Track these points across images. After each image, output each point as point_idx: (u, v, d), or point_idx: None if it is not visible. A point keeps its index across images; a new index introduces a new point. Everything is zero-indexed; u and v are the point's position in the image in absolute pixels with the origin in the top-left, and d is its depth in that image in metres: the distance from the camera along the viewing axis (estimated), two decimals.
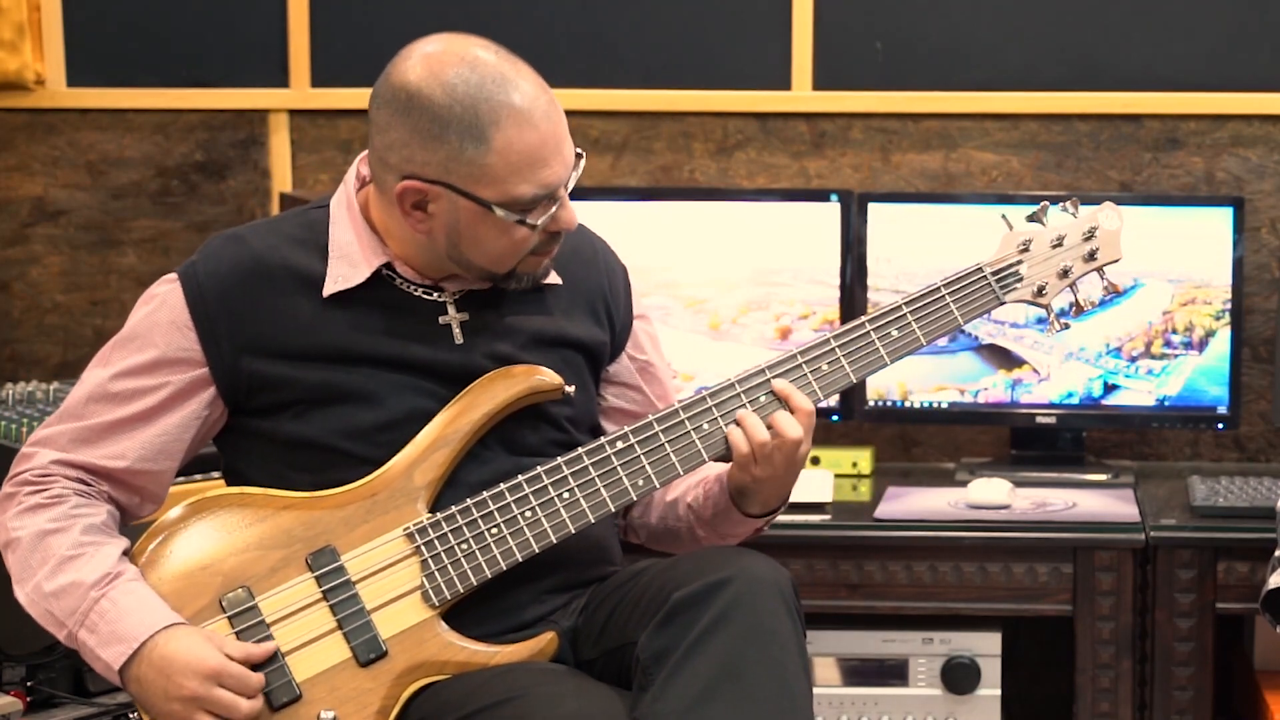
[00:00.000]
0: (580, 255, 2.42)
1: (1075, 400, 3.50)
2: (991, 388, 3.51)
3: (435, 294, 2.32)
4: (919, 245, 3.49)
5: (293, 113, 3.78)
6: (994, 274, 2.34)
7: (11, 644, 2.77)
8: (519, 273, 2.29)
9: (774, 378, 2.29)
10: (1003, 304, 2.35)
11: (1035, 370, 3.50)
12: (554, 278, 2.36)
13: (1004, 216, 2.37)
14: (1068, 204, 2.37)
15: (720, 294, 3.54)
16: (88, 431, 2.28)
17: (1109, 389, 3.49)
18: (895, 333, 2.32)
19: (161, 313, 2.29)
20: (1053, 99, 3.64)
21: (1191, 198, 3.56)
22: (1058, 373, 3.49)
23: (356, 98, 3.72)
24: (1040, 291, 2.35)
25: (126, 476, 2.29)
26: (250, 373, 2.27)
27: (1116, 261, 2.38)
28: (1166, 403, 3.48)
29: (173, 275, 2.31)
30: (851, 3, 3.67)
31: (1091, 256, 2.35)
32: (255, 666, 2.19)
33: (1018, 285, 2.35)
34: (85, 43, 3.81)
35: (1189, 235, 3.45)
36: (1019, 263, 2.35)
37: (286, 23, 3.76)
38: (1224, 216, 3.45)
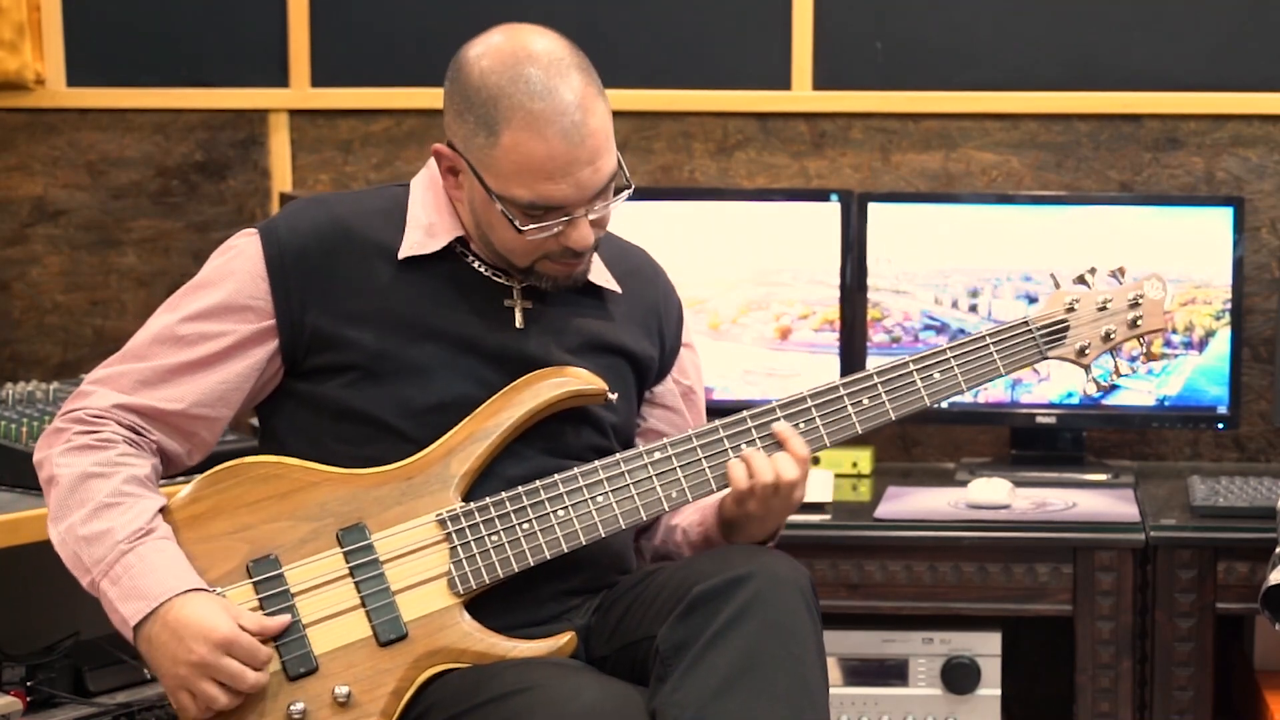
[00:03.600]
0: (642, 274, 2.47)
1: (1075, 400, 3.50)
2: (991, 388, 3.51)
3: (504, 277, 2.34)
4: (919, 245, 3.49)
5: (293, 113, 3.78)
6: (1040, 329, 2.39)
7: (11, 644, 2.77)
8: (539, 273, 2.31)
9: (783, 417, 2.32)
10: (1045, 359, 2.40)
11: (1035, 370, 3.49)
12: (614, 285, 2.41)
13: (1052, 275, 2.43)
14: (1116, 271, 2.43)
15: (720, 294, 3.54)
16: (150, 373, 2.29)
17: (1109, 389, 3.48)
18: (938, 375, 2.36)
19: (237, 262, 2.31)
20: (1053, 99, 3.64)
21: (1191, 198, 3.56)
22: (1058, 373, 3.49)
23: (356, 98, 3.73)
24: (1082, 352, 2.41)
25: (182, 421, 2.29)
26: (314, 329, 2.29)
27: (1159, 332, 2.44)
28: (1166, 403, 3.48)
29: (252, 229, 2.33)
30: (851, 3, 3.67)
31: (1134, 324, 2.42)
32: (270, 640, 2.18)
33: (1061, 343, 2.40)
34: (85, 43, 3.81)
35: (1189, 235, 3.45)
36: (1065, 322, 2.40)
37: (286, 23, 3.76)
38: (1224, 216, 3.44)
